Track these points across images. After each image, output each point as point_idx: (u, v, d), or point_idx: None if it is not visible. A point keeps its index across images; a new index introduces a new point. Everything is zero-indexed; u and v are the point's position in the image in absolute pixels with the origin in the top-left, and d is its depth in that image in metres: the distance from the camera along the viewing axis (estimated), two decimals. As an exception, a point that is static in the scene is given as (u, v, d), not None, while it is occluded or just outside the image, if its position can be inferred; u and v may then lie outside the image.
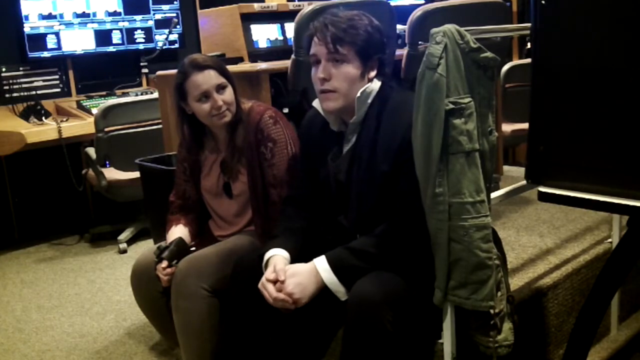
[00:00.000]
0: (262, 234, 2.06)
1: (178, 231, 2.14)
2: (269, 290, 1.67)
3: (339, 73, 1.70)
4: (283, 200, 1.98)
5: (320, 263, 1.67)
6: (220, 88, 2.01)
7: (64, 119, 3.81)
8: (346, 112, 1.75)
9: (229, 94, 2.03)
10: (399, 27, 2.53)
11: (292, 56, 2.25)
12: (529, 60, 1.46)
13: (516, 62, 4.00)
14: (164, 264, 1.98)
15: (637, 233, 1.48)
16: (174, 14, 4.57)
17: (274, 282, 1.68)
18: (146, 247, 2.44)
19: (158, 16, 4.53)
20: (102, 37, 4.30)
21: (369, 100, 1.73)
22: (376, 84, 1.74)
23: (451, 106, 1.50)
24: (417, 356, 1.81)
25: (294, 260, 1.76)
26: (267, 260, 1.75)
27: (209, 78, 2.00)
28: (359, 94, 1.71)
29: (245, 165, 2.07)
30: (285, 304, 1.65)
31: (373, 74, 1.74)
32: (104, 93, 4.26)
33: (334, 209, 1.83)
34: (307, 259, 1.71)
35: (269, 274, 1.69)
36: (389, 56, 1.82)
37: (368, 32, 1.70)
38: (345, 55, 1.69)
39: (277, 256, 1.74)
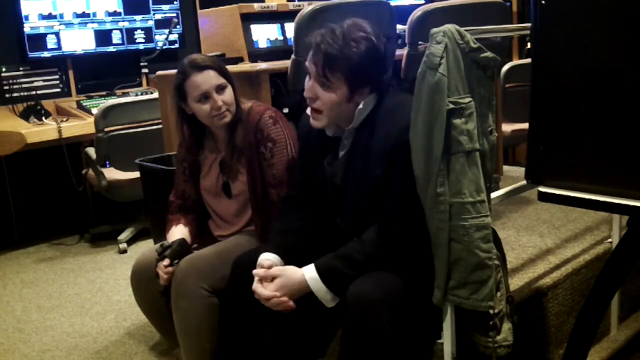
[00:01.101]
0: (261, 234, 2.06)
1: (178, 231, 2.14)
2: (259, 291, 1.71)
3: (324, 96, 1.67)
4: (282, 200, 1.99)
5: (309, 271, 1.68)
6: (220, 88, 2.01)
7: (64, 119, 3.81)
8: (341, 120, 1.74)
9: (228, 94, 2.03)
10: (399, 27, 2.53)
11: (292, 56, 2.25)
12: (529, 60, 1.46)
13: (516, 62, 4.00)
14: (166, 261, 1.98)
15: (637, 233, 1.48)
16: (174, 14, 4.57)
17: (262, 280, 1.72)
18: (146, 247, 2.44)
19: (158, 16, 4.53)
20: (102, 37, 4.30)
21: (369, 109, 1.71)
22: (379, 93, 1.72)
23: (451, 106, 1.50)
24: (416, 356, 1.81)
25: (287, 261, 1.77)
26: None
27: (209, 78, 2.00)
28: (361, 106, 1.69)
29: (244, 165, 2.07)
30: (280, 302, 1.68)
31: (361, 98, 1.68)
32: (104, 93, 4.26)
33: (331, 210, 1.83)
34: (304, 259, 1.72)
35: (255, 274, 1.73)
36: (386, 76, 1.72)
37: (361, 60, 1.61)
38: (333, 83, 1.64)
39: (265, 260, 1.76)
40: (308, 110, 1.79)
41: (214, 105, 2.00)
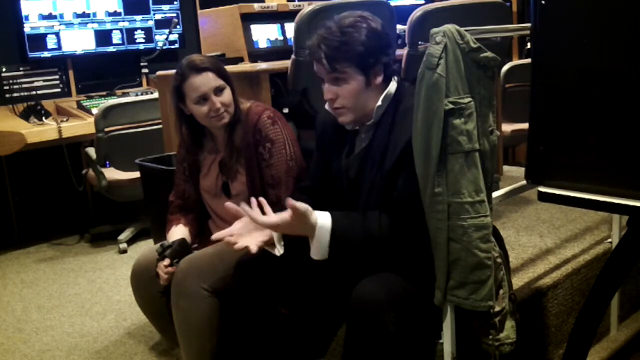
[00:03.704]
0: (261, 234, 2.05)
1: (178, 231, 2.14)
2: (258, 218, 1.65)
3: (343, 91, 1.68)
4: (296, 190, 1.97)
5: (323, 219, 1.62)
6: (218, 90, 2.01)
7: (64, 119, 3.81)
8: (366, 110, 1.73)
9: (227, 95, 2.03)
10: (399, 27, 2.52)
11: (292, 56, 2.25)
12: (529, 60, 1.46)
13: (516, 62, 4.00)
14: (166, 261, 1.98)
15: (637, 233, 1.48)
16: (174, 14, 4.57)
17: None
18: (146, 247, 2.44)
19: (158, 16, 4.53)
20: (102, 37, 4.30)
21: (386, 105, 1.71)
22: (392, 86, 1.72)
23: (451, 106, 1.50)
24: (418, 356, 1.81)
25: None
26: None
27: (207, 80, 1.99)
28: (379, 102, 1.69)
29: (243, 165, 2.07)
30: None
31: (380, 78, 1.69)
32: (104, 93, 4.26)
33: (343, 203, 1.83)
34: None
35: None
36: (393, 53, 1.73)
37: (364, 43, 1.64)
38: (345, 72, 1.66)
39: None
40: (326, 105, 1.78)
41: (212, 107, 1.99)
